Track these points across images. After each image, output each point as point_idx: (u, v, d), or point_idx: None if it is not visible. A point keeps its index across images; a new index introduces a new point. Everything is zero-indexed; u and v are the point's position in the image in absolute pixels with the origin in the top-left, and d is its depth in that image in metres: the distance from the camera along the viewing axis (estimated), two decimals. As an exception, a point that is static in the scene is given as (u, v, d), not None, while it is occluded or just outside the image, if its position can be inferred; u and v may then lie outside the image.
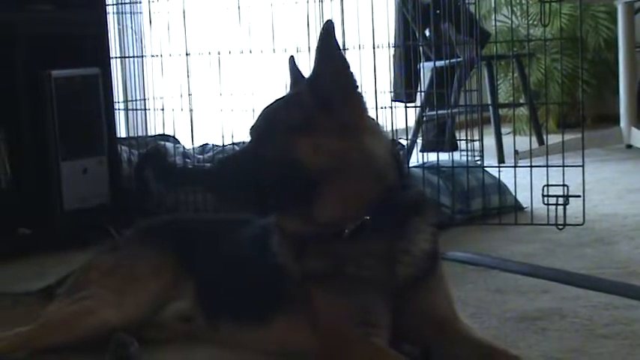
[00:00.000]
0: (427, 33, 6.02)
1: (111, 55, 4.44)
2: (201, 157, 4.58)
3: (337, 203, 2.16)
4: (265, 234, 2.37)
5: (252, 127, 2.26)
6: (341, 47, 2.23)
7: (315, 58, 2.21)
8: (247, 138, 2.28)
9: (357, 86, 2.22)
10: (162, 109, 4.54)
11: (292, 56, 2.43)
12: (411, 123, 5.80)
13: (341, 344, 2.16)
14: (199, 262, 2.59)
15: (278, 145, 2.14)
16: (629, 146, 6.30)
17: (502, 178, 4.35)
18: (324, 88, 2.18)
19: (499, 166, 4.52)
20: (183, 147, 4.69)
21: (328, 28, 2.18)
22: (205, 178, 2.10)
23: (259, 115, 2.26)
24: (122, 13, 4.92)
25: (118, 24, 4.96)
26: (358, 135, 2.17)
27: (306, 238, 2.21)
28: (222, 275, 2.54)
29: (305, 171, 2.12)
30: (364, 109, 2.24)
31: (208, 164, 4.39)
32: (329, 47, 2.18)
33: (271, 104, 2.28)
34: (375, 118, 2.43)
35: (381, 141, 2.25)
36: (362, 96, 2.24)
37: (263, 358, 2.39)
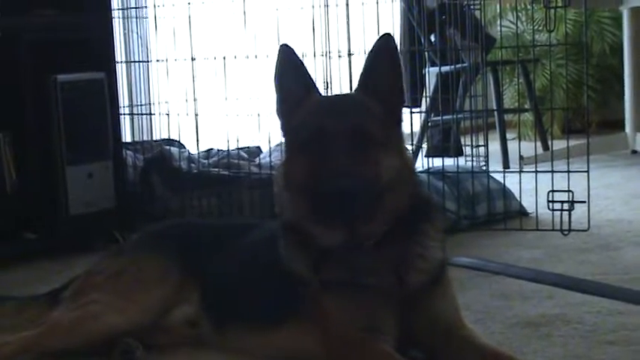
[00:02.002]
0: (432, 38, 6.02)
1: (116, 60, 4.44)
2: (206, 161, 4.58)
3: (384, 217, 2.18)
4: (272, 239, 2.37)
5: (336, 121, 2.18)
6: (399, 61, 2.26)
7: (380, 72, 2.24)
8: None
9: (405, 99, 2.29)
10: (168, 114, 4.54)
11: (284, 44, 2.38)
12: (416, 128, 5.79)
13: (349, 350, 2.17)
14: (205, 267, 2.60)
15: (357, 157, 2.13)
16: (635, 152, 6.29)
17: (507, 184, 4.35)
18: (394, 105, 2.25)
19: (504, 172, 4.53)
20: (189, 152, 4.69)
21: (388, 42, 2.22)
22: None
23: (340, 118, 2.18)
24: (128, 17, 4.92)
25: (124, 29, 4.95)
26: (403, 150, 2.24)
27: (329, 248, 2.21)
28: (229, 280, 2.54)
29: (378, 186, 2.13)
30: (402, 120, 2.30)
31: (215, 169, 4.39)
32: (391, 62, 2.23)
33: (347, 107, 2.24)
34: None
35: (409, 153, 2.30)
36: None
37: (269, 363, 2.40)
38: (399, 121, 2.28)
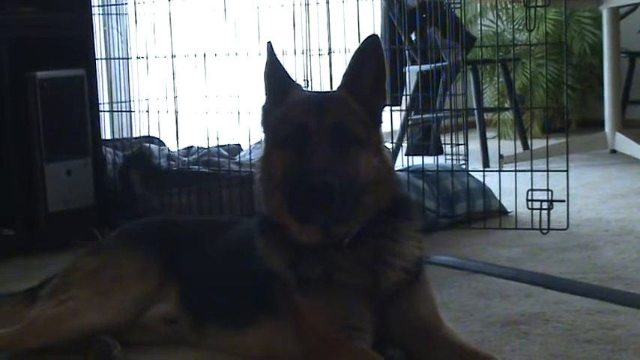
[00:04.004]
0: (413, 37, 6.03)
1: (96, 57, 4.42)
2: (186, 159, 4.57)
3: (361, 216, 2.18)
4: (250, 238, 2.37)
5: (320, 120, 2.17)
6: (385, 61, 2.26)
7: (364, 72, 2.24)
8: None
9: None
10: (148, 111, 4.52)
11: (270, 42, 2.39)
12: (396, 126, 5.80)
13: (324, 348, 2.17)
14: (184, 265, 2.59)
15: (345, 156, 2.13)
16: (614, 151, 6.32)
17: (487, 183, 4.36)
18: (375, 106, 2.25)
19: (484, 171, 4.53)
20: (169, 149, 4.68)
21: (375, 42, 2.22)
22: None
23: (323, 114, 2.18)
24: (108, 14, 4.90)
25: (104, 25, 4.94)
26: (383, 150, 2.24)
27: (305, 246, 2.21)
28: (207, 278, 2.54)
29: (356, 184, 2.13)
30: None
31: (195, 167, 4.38)
32: (377, 62, 2.23)
33: (330, 104, 2.23)
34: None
35: (389, 154, 2.29)
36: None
37: (245, 361, 2.40)
38: (380, 121, 2.29)
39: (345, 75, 2.27)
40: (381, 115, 2.29)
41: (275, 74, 2.30)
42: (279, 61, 2.32)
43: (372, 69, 2.23)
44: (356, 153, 2.15)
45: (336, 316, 2.17)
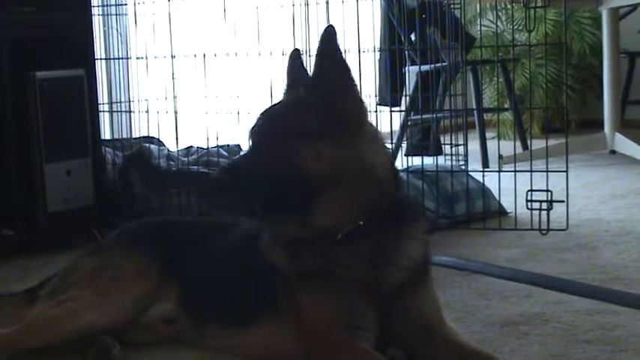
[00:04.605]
0: (413, 37, 6.03)
1: (96, 57, 4.42)
2: (185, 159, 4.57)
3: (335, 209, 2.16)
4: (252, 236, 2.37)
5: (253, 130, 2.24)
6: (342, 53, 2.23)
7: (316, 63, 2.21)
8: (247, 140, 2.27)
9: (359, 94, 2.23)
10: (147, 111, 4.52)
11: (297, 50, 2.41)
12: (396, 127, 5.80)
13: (326, 346, 2.17)
14: (184, 265, 2.59)
15: (280, 152, 2.14)
16: (613, 152, 6.32)
17: (486, 183, 4.36)
18: (325, 94, 2.18)
19: (483, 171, 4.53)
20: (168, 149, 4.68)
21: (329, 33, 2.18)
22: (206, 184, 2.08)
23: (260, 118, 2.25)
24: (107, 14, 4.90)
25: (104, 26, 4.94)
26: (358, 142, 2.18)
27: (299, 241, 2.21)
28: (208, 277, 2.54)
29: (306, 178, 2.12)
30: (365, 116, 2.25)
31: (195, 167, 4.38)
32: (330, 53, 2.19)
33: (272, 108, 2.28)
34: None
35: (380, 148, 2.25)
36: (363, 103, 2.25)
37: (246, 361, 2.39)
38: (358, 113, 2.23)
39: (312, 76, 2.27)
40: (347, 105, 2.20)
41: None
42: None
43: (322, 58, 2.21)
44: (284, 146, 2.14)
45: (339, 314, 2.17)
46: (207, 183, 2.29)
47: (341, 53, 2.20)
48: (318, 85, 2.21)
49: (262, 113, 2.26)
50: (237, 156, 2.10)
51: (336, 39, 2.19)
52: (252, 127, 2.25)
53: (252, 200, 2.17)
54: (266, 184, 2.13)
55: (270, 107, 2.29)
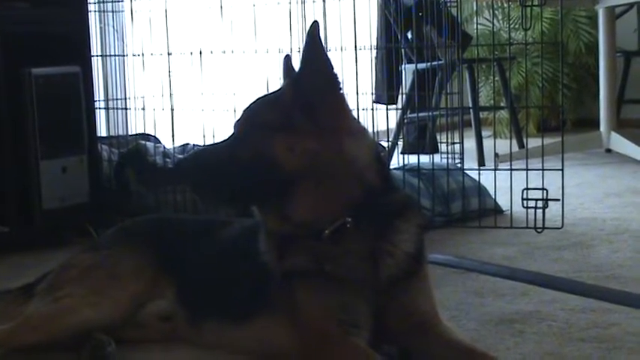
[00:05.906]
0: (409, 35, 6.03)
1: (92, 54, 4.42)
2: (182, 156, 4.56)
3: (311, 203, 2.15)
4: (248, 234, 2.37)
5: (235, 123, 2.26)
6: (326, 49, 2.23)
7: (300, 59, 2.22)
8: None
9: (340, 88, 2.22)
10: (144, 109, 4.52)
11: (288, 55, 2.42)
12: (392, 125, 5.81)
13: (320, 343, 2.16)
14: (180, 262, 2.59)
15: (253, 142, 2.15)
16: (609, 150, 6.33)
17: (482, 181, 4.37)
18: (305, 88, 2.18)
19: (479, 169, 4.54)
20: (164, 146, 4.68)
21: (313, 30, 2.18)
22: (178, 168, 2.09)
23: (243, 112, 2.27)
24: (104, 11, 4.89)
25: (100, 22, 4.93)
26: (338, 136, 2.17)
27: (287, 237, 2.21)
28: (204, 275, 2.54)
29: (279, 170, 2.12)
30: (346, 111, 2.24)
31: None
32: (313, 49, 2.18)
33: (254, 102, 2.29)
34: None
35: (363, 143, 2.24)
36: (344, 97, 2.24)
37: (243, 358, 2.39)
38: (339, 107, 2.22)
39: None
40: (327, 99, 2.19)
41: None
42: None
43: (306, 54, 2.21)
44: (258, 137, 2.15)
45: (333, 310, 2.16)
46: (172, 170, 2.31)
47: (324, 49, 2.20)
48: (300, 80, 2.21)
49: (246, 107, 2.28)
50: (205, 145, 2.12)
51: (319, 36, 2.19)
52: (237, 120, 2.26)
53: (222, 187, 2.19)
54: (238, 173, 2.15)
55: (253, 102, 2.30)
